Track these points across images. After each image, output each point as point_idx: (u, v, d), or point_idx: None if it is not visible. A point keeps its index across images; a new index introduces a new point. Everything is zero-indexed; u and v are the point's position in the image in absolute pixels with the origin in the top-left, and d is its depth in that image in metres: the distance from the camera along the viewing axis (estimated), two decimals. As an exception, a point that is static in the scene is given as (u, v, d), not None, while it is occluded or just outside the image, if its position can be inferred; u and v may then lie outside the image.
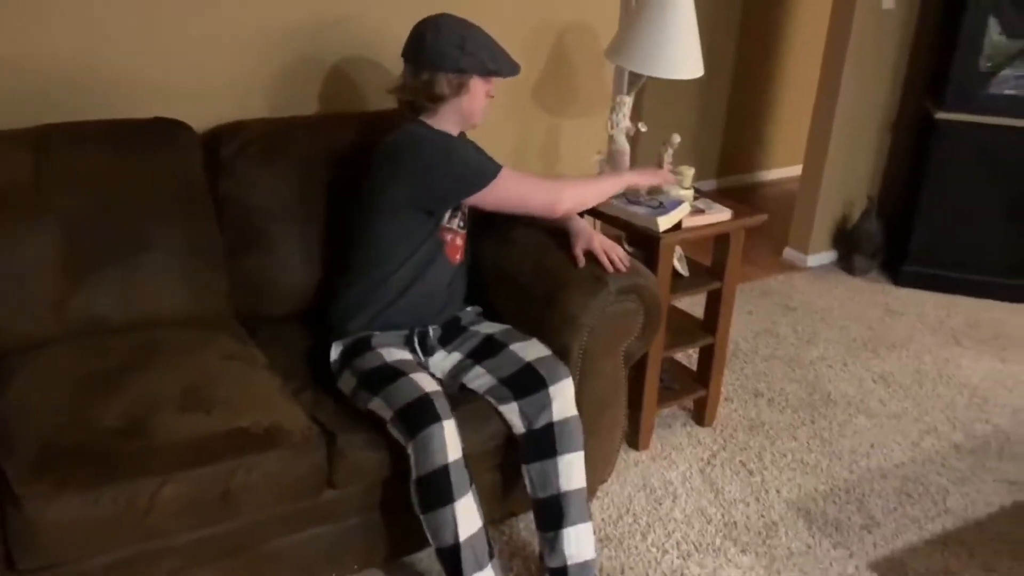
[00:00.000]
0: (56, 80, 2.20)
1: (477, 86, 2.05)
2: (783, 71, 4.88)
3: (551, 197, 2.06)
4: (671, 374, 2.71)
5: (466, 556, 1.82)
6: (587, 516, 1.97)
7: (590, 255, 2.09)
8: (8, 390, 1.79)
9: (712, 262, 2.61)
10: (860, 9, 3.58)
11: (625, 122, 2.58)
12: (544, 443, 1.94)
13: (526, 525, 2.26)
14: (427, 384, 1.86)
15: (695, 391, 2.71)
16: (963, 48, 3.47)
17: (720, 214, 2.47)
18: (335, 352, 2.05)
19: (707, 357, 2.69)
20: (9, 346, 1.94)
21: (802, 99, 4.76)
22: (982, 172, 3.60)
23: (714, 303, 2.62)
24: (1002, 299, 3.70)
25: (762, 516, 2.37)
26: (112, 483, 1.60)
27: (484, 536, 1.86)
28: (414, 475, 1.81)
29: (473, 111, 2.08)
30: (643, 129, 2.63)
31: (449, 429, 1.80)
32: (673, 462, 2.58)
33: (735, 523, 2.34)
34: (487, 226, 2.22)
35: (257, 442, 1.74)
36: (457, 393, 2.01)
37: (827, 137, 3.79)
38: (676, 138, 2.58)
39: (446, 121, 2.08)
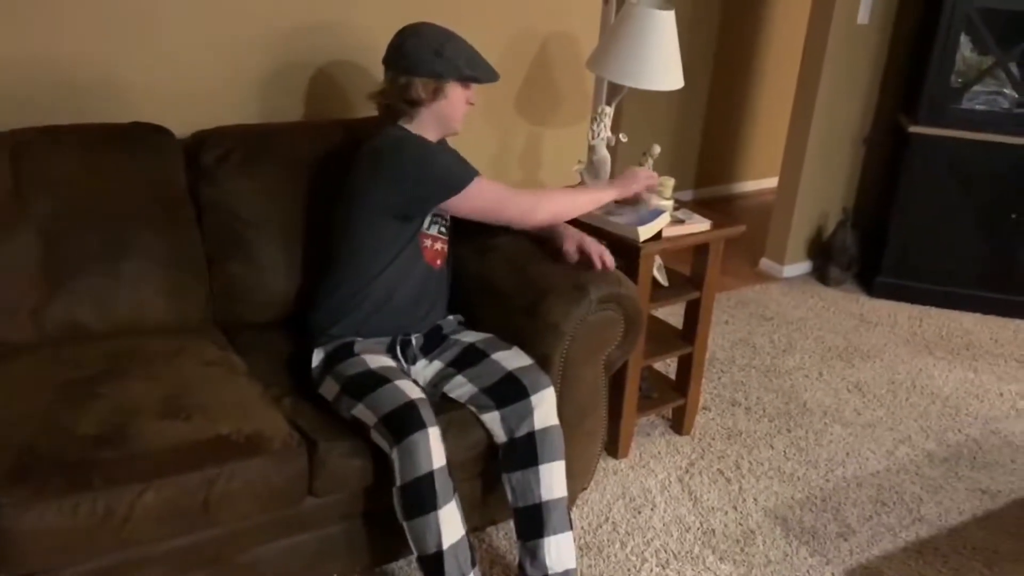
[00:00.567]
0: (35, 83, 2.18)
1: (455, 92, 2.05)
2: (760, 84, 4.94)
3: (527, 207, 2.07)
4: (650, 383, 2.73)
5: (449, 564, 1.81)
6: (568, 525, 1.98)
7: (580, 254, 2.13)
8: (-16, 397, 1.77)
9: (691, 272, 2.64)
10: (836, 24, 3.64)
11: (606, 132, 2.60)
12: (525, 452, 1.94)
13: (505, 533, 2.26)
14: (412, 391, 1.86)
15: (674, 400, 2.73)
16: (936, 64, 3.54)
17: (699, 224, 2.49)
18: (316, 358, 2.04)
19: (685, 366, 2.71)
20: (-15, 352, 1.91)
21: (778, 112, 4.82)
22: (954, 185, 3.67)
23: (693, 312, 2.65)
24: (973, 310, 3.77)
25: (740, 524, 2.39)
26: (91, 491, 1.58)
27: (467, 544, 1.86)
28: (398, 482, 1.80)
29: (451, 117, 2.08)
30: (624, 140, 2.65)
31: (434, 436, 1.80)
32: (652, 470, 2.59)
33: (713, 531, 2.36)
34: (469, 234, 2.23)
35: (238, 450, 1.73)
36: (439, 402, 2.00)
37: (803, 149, 3.84)
38: (656, 149, 2.60)
39: (425, 126, 2.08)
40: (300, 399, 1.99)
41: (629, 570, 2.20)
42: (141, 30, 2.26)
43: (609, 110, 2.61)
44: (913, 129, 3.62)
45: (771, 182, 4.73)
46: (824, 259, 3.97)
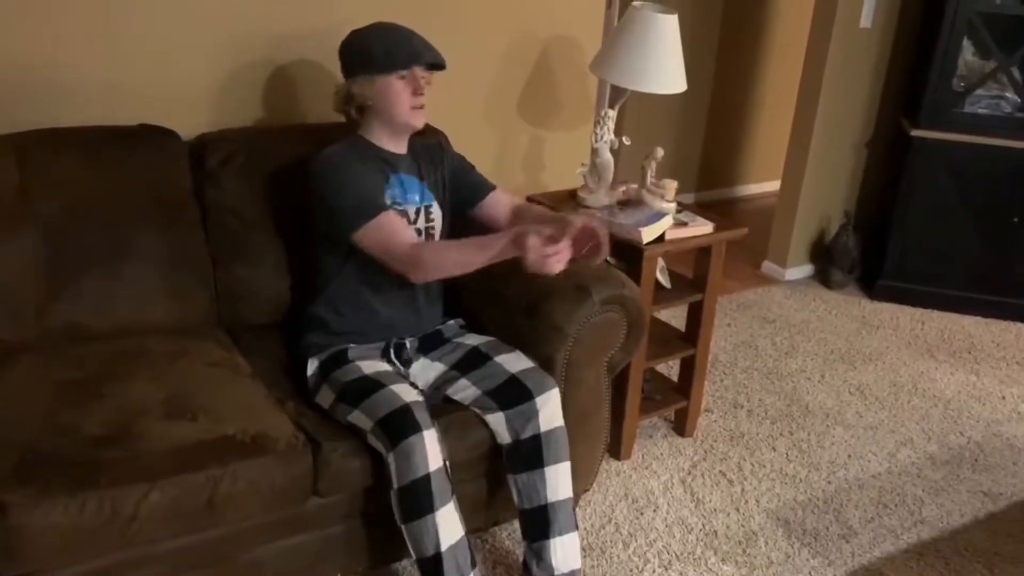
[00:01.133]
0: (40, 86, 2.19)
1: (386, 86, 1.99)
2: (762, 87, 4.95)
3: (406, 268, 1.93)
4: (652, 385, 2.74)
5: (448, 566, 1.81)
6: (574, 526, 1.98)
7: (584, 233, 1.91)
8: (-10, 396, 1.78)
9: (693, 274, 2.64)
10: (838, 27, 3.65)
11: (609, 135, 2.61)
12: (531, 454, 1.95)
13: (509, 534, 2.27)
14: (407, 394, 1.86)
15: (676, 402, 2.73)
16: (937, 68, 3.54)
17: (702, 227, 2.50)
18: (311, 367, 2.03)
19: (688, 368, 2.72)
20: (-9, 352, 1.92)
21: (780, 115, 4.82)
22: (955, 189, 3.68)
23: (695, 315, 2.65)
24: (975, 313, 3.77)
25: (742, 526, 2.40)
26: (97, 490, 1.59)
27: (467, 545, 1.86)
28: (395, 485, 1.81)
29: (392, 112, 2.01)
30: (627, 142, 2.66)
31: (430, 438, 1.80)
32: (654, 472, 2.60)
33: (715, 532, 2.36)
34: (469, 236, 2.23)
35: (243, 450, 1.74)
36: (440, 404, 2.01)
37: (805, 153, 3.85)
38: (660, 152, 2.61)
39: (376, 130, 2.07)
40: (303, 401, 1.99)
41: (632, 571, 2.21)
42: (148, 33, 2.27)
43: (612, 113, 2.62)
44: (915, 133, 3.63)
45: (773, 185, 4.73)
46: (826, 262, 3.97)
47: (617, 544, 2.29)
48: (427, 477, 1.78)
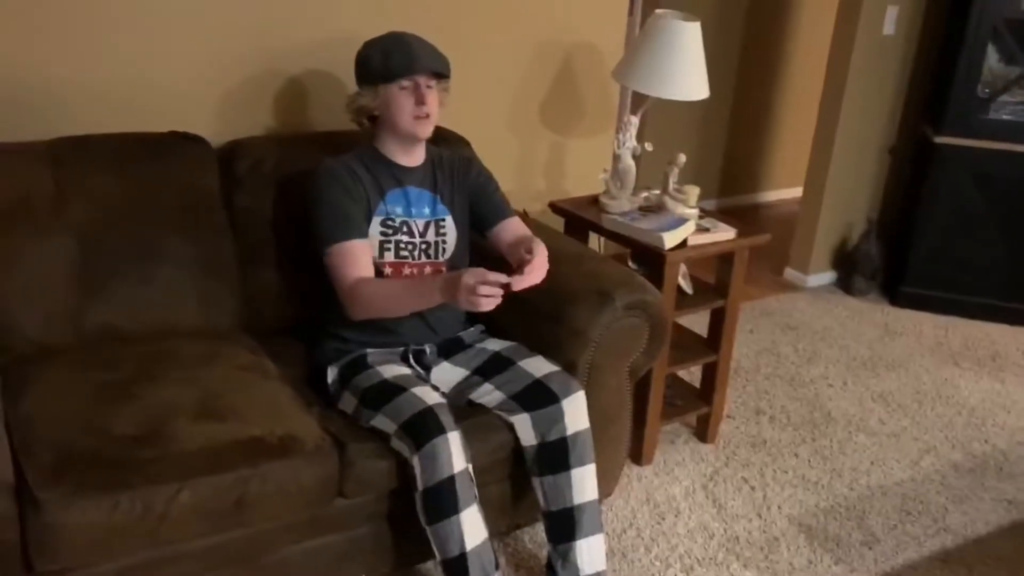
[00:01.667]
0: (71, 91, 2.23)
1: (389, 95, 2.01)
2: (784, 93, 4.95)
3: (345, 300, 1.98)
4: (675, 390, 2.75)
5: (473, 567, 1.83)
6: (599, 527, 1.99)
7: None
8: (26, 397, 1.82)
9: (716, 280, 2.65)
10: (861, 34, 3.65)
11: (631, 142, 2.63)
12: (557, 456, 1.95)
13: (531, 537, 2.28)
14: (429, 397, 1.87)
15: (698, 408, 2.74)
16: (962, 74, 3.53)
17: (724, 233, 2.51)
18: (331, 375, 2.05)
19: (710, 374, 2.72)
20: (27, 354, 1.97)
21: (803, 121, 4.82)
22: (979, 195, 3.66)
23: (717, 321, 2.66)
24: (999, 321, 3.75)
25: (764, 532, 2.40)
26: (129, 489, 1.62)
27: (490, 547, 1.88)
28: (419, 487, 1.82)
29: (396, 122, 2.03)
30: (649, 149, 2.68)
31: (454, 440, 1.81)
32: (676, 477, 2.60)
33: (737, 538, 2.37)
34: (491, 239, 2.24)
35: (271, 451, 1.77)
36: (463, 407, 2.02)
37: (828, 159, 3.85)
38: (682, 158, 2.63)
39: (386, 140, 2.08)
40: (328, 404, 2.02)
41: (654, 575, 2.21)
42: (176, 43, 2.31)
43: (635, 120, 2.64)
44: (939, 139, 3.62)
45: (795, 192, 4.72)
46: (849, 269, 3.96)
47: (639, 549, 2.30)
48: (451, 479, 1.80)
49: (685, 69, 2.52)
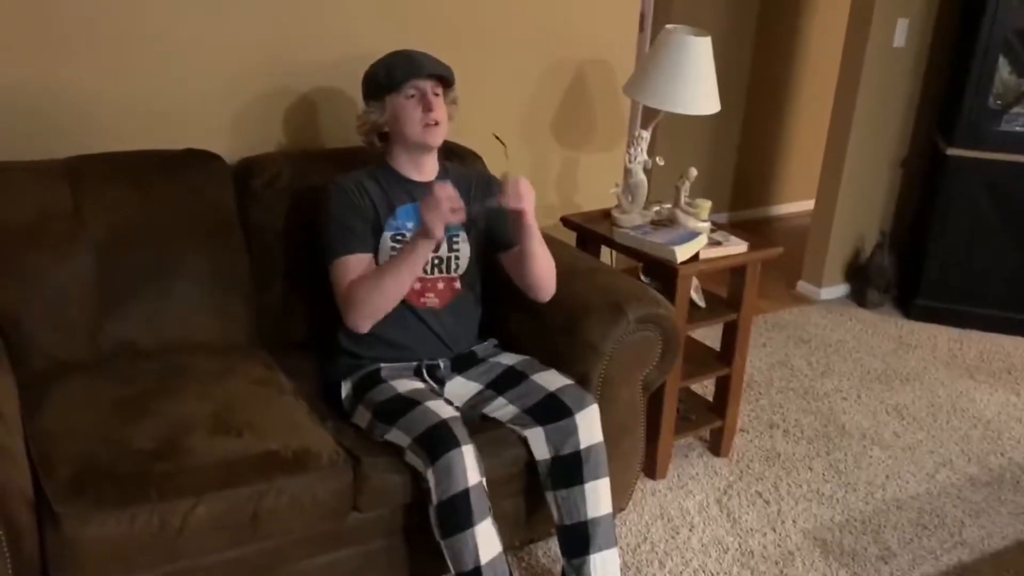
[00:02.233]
0: (90, 110, 2.26)
1: (397, 105, 2.03)
2: (795, 106, 4.95)
3: (343, 308, 1.99)
4: (688, 404, 2.74)
5: (488, 580, 1.84)
6: (613, 541, 1.99)
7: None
8: (45, 412, 1.84)
9: (728, 294, 2.65)
10: (872, 46, 3.65)
11: (643, 156, 2.64)
12: (571, 470, 1.96)
13: (545, 551, 2.28)
14: (443, 411, 1.88)
15: (711, 421, 2.73)
16: (973, 86, 3.53)
17: (737, 246, 2.52)
18: (345, 389, 2.06)
19: (723, 388, 2.72)
20: (46, 369, 1.99)
21: (814, 134, 4.82)
22: (992, 207, 3.65)
23: (730, 334, 2.66)
24: (1013, 333, 3.73)
25: (779, 546, 2.39)
26: (147, 503, 1.63)
27: (504, 561, 1.88)
28: (434, 501, 1.82)
29: (405, 132, 2.04)
30: (660, 163, 2.69)
31: (468, 453, 1.81)
32: (690, 492, 2.60)
33: (752, 552, 2.36)
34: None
35: (287, 465, 1.78)
36: (477, 422, 2.03)
37: (839, 172, 3.85)
38: (693, 172, 2.63)
39: (398, 156, 2.10)
40: (342, 418, 2.03)
41: (668, 590, 2.21)
42: (192, 64, 2.34)
43: (646, 134, 2.65)
44: (951, 151, 3.62)
45: (807, 204, 4.72)
46: (862, 281, 3.95)
47: (653, 564, 2.30)
48: (466, 492, 1.80)
49: (696, 84, 2.53)
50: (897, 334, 3.72)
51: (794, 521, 2.49)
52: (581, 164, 3.08)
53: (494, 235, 2.18)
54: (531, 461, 2.02)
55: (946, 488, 2.69)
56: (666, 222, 2.60)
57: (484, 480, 1.85)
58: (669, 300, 2.27)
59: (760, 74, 4.74)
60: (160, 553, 1.67)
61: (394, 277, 1.95)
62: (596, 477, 1.96)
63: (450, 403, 1.99)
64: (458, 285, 2.13)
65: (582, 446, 1.95)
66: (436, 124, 2.03)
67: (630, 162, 2.65)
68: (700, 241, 2.46)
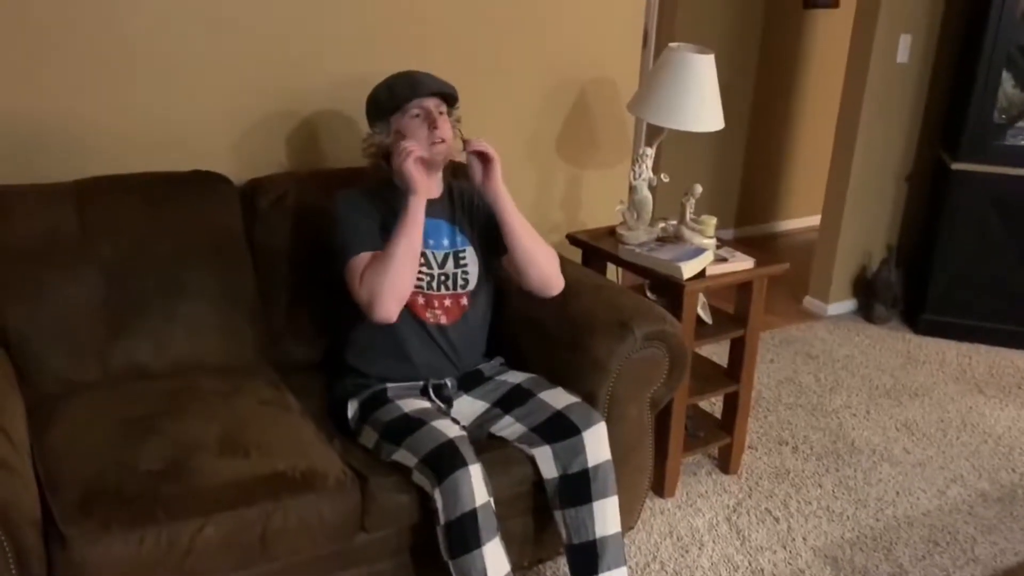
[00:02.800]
0: (96, 133, 2.27)
1: (402, 125, 2.04)
2: (800, 122, 4.96)
3: (365, 301, 1.95)
4: (696, 421, 2.73)
5: (496, 600, 1.82)
6: (623, 560, 1.97)
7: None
8: (52, 432, 1.84)
9: (735, 310, 2.65)
10: (875, 62, 3.66)
11: (647, 173, 2.64)
12: (579, 488, 1.95)
13: (554, 571, 2.27)
14: (450, 430, 1.87)
15: (720, 438, 2.72)
16: (977, 100, 3.54)
17: (743, 262, 2.52)
18: (351, 409, 2.06)
19: (731, 404, 2.71)
20: (54, 390, 1.99)
21: (819, 150, 4.82)
22: (998, 221, 3.64)
23: (738, 351, 2.65)
24: (1022, 347, 3.71)
25: (789, 564, 2.37)
26: (155, 524, 1.63)
27: (512, 581, 1.87)
28: (441, 521, 1.82)
29: None
30: (665, 180, 2.69)
31: (476, 473, 1.81)
32: (699, 510, 2.58)
33: (762, 570, 2.34)
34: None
35: (294, 485, 1.78)
36: (484, 441, 2.02)
37: (844, 187, 3.85)
38: (698, 189, 2.64)
39: None
40: (349, 439, 2.03)
41: (678, 609, 2.19)
42: (193, 86, 2.36)
43: (650, 151, 2.66)
44: (956, 166, 3.62)
45: (813, 220, 4.72)
46: (869, 297, 3.94)
47: (663, 582, 2.28)
48: (474, 512, 1.80)
49: (700, 101, 2.54)
50: (905, 349, 3.70)
51: (804, 539, 2.47)
52: (586, 181, 3.08)
53: (491, 239, 2.17)
54: (539, 480, 2.01)
55: (957, 504, 2.67)
56: (672, 239, 2.60)
57: (492, 499, 1.85)
58: (676, 317, 2.26)
59: (764, 90, 4.75)
60: (169, 574, 1.66)
61: (398, 244, 1.93)
62: (604, 495, 1.95)
63: (457, 422, 1.99)
64: (465, 302, 2.13)
65: (590, 464, 1.94)
66: (442, 142, 2.04)
67: (635, 179, 2.65)
68: (706, 257, 2.46)
